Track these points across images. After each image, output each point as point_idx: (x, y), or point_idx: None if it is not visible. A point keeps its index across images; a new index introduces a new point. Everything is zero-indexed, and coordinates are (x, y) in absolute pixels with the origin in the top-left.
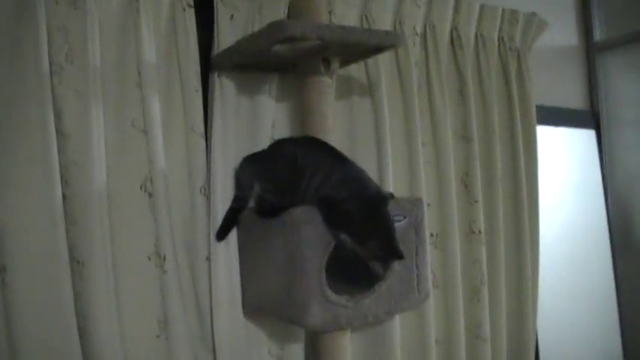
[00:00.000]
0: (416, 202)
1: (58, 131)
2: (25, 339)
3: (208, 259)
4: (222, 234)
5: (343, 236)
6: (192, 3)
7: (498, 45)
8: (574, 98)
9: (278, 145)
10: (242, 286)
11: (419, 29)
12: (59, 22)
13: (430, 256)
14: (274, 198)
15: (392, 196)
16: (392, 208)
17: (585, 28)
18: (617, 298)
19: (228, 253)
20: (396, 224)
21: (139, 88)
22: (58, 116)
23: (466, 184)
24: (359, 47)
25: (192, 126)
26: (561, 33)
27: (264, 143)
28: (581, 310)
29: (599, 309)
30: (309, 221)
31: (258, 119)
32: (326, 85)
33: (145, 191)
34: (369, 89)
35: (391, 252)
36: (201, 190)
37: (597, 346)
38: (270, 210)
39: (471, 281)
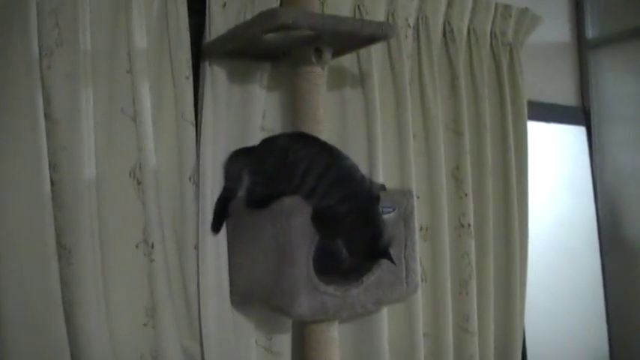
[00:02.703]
0: (405, 194)
1: (47, 116)
2: (12, 324)
3: (197, 247)
4: (216, 226)
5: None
6: None
7: (490, 39)
8: (565, 94)
9: (269, 140)
10: (230, 275)
11: (412, 22)
12: (50, 5)
13: (419, 248)
14: (263, 190)
15: (384, 187)
16: (381, 200)
17: (577, 24)
18: (605, 294)
19: (216, 242)
20: (385, 216)
21: (129, 74)
22: (46, 100)
23: (456, 177)
24: (351, 37)
25: (182, 113)
26: (553, 29)
27: (254, 132)
28: (569, 305)
29: (587, 305)
30: (298, 211)
31: (248, 108)
32: (318, 76)
33: (133, 178)
34: (361, 81)
35: (375, 252)
36: (190, 178)
37: (584, 341)
38: (259, 201)
39: (460, 275)
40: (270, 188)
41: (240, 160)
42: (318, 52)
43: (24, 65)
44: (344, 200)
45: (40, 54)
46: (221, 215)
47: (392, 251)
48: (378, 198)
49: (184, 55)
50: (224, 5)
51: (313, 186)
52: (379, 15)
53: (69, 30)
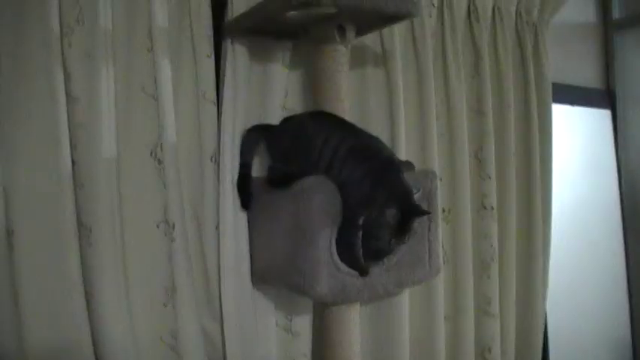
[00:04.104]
0: (429, 175)
1: (67, 94)
2: (31, 303)
3: (217, 227)
4: (244, 203)
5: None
6: None
7: (515, 19)
8: (590, 77)
9: (287, 119)
10: (251, 255)
11: (436, 1)
12: None
13: (440, 230)
14: (284, 169)
15: (412, 165)
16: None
17: (603, 4)
18: (627, 277)
19: (237, 221)
20: None
21: (150, 53)
22: (67, 79)
23: (479, 159)
24: (375, 15)
25: (203, 92)
26: (579, 9)
27: (276, 112)
28: (591, 289)
29: (609, 288)
30: (320, 190)
31: (270, 87)
32: (341, 54)
33: (154, 158)
34: (384, 60)
35: (409, 210)
36: (211, 158)
37: (606, 325)
38: (280, 180)
39: (481, 257)
40: (290, 167)
41: (253, 135)
42: (342, 31)
43: (44, 43)
44: (362, 164)
45: (60, 32)
46: (245, 191)
47: (414, 234)
48: (399, 164)
49: (206, 34)
50: None
51: (331, 157)
52: None
53: (90, 8)
